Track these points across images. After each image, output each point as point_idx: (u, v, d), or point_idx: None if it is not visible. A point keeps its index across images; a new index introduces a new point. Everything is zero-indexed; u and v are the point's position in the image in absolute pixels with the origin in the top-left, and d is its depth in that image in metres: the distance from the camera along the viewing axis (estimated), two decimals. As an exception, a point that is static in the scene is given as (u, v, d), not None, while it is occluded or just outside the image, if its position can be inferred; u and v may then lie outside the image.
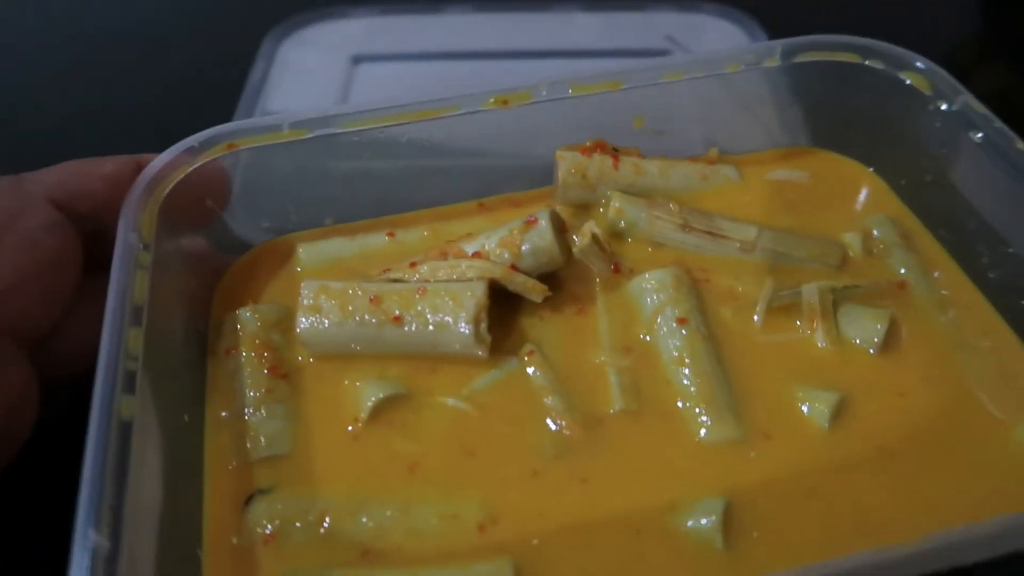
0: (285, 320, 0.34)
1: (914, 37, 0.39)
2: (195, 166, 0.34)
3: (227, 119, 0.42)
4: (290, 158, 0.37)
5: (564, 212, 0.38)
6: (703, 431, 0.30)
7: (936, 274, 0.35)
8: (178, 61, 0.61)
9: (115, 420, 0.25)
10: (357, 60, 0.58)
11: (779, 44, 0.39)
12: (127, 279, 0.29)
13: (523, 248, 0.34)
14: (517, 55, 0.58)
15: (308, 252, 0.37)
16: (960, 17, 0.64)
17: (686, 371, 0.32)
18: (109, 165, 0.32)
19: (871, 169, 0.40)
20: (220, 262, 0.37)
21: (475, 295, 0.32)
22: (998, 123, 0.34)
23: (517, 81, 0.37)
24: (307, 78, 0.57)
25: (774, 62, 0.39)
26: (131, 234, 0.31)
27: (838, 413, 0.31)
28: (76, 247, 0.30)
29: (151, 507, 0.26)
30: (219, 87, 0.56)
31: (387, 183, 0.40)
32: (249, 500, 0.29)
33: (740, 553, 0.27)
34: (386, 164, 0.40)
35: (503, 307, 0.34)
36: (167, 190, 0.33)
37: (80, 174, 0.31)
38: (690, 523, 0.28)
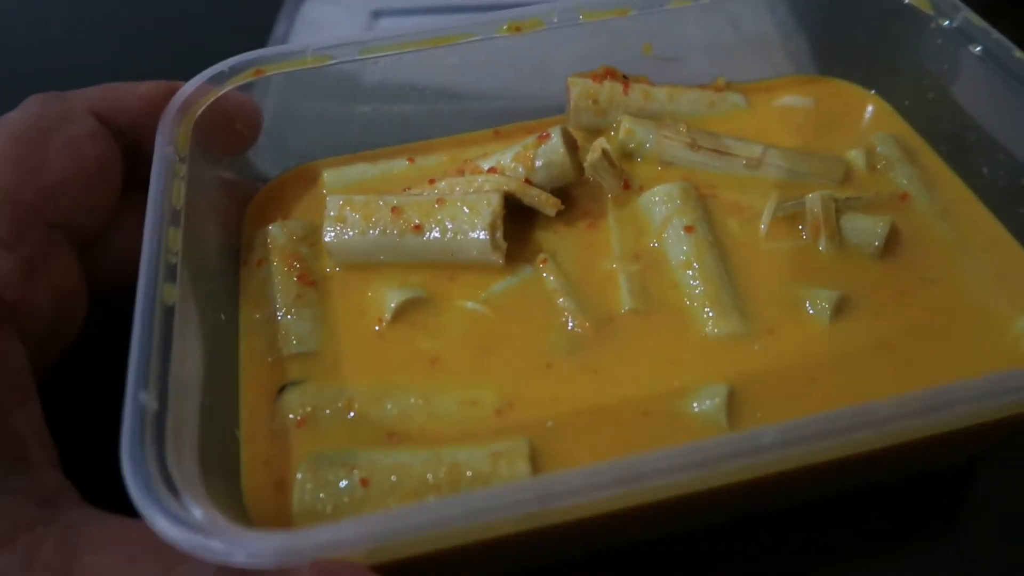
0: (312, 235, 0.36)
1: None
2: (225, 90, 0.36)
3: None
4: (311, 101, 0.39)
5: (577, 136, 0.39)
6: (709, 326, 0.32)
7: (937, 186, 0.36)
8: (201, 20, 0.62)
9: (159, 303, 0.27)
10: (377, 15, 0.60)
11: (784, -29, 0.39)
12: (165, 184, 0.31)
13: (536, 163, 0.35)
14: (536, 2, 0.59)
15: (332, 176, 0.39)
16: None
17: (692, 273, 0.33)
18: (144, 87, 0.34)
19: (874, 92, 0.41)
20: (250, 185, 0.39)
21: (491, 204, 0.33)
22: (996, 35, 0.35)
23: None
24: (329, 33, 0.58)
25: (779, -13, 0.39)
26: (167, 147, 0.32)
27: (839, 310, 0.32)
28: (116, 156, 0.32)
29: (193, 385, 0.27)
30: (242, 45, 0.57)
31: (406, 124, 0.41)
32: (282, 390, 0.31)
33: (743, 428, 0.28)
34: (405, 107, 0.41)
35: (518, 220, 0.36)
36: (199, 111, 0.35)
37: (118, 92, 0.33)
38: (695, 405, 0.29)
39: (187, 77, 0.35)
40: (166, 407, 0.25)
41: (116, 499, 0.23)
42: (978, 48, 0.35)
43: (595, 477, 0.22)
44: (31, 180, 0.29)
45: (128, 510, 0.22)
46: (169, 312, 0.27)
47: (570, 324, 0.32)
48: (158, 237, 0.29)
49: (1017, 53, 0.34)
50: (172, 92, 0.34)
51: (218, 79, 0.36)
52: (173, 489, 0.22)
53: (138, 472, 0.22)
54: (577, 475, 0.22)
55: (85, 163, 0.30)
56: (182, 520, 0.22)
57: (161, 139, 0.33)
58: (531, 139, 0.36)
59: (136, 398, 0.24)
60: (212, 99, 0.35)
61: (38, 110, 0.31)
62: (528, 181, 0.35)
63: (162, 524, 0.22)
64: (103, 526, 0.24)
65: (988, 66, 0.35)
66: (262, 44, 0.57)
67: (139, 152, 0.33)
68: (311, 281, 0.34)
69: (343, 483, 0.28)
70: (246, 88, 0.36)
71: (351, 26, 0.59)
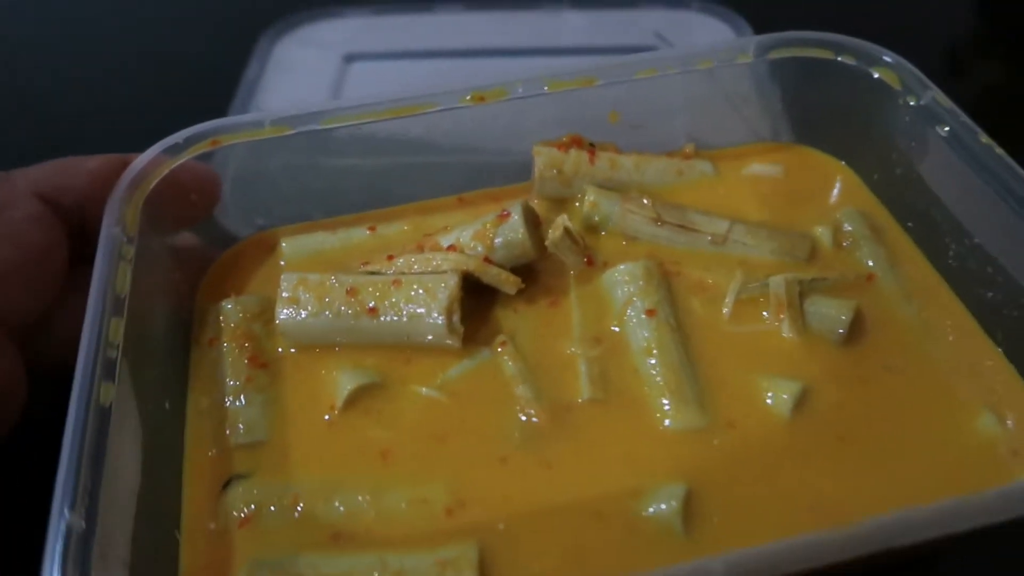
0: (267, 311, 0.35)
1: (910, 35, 0.39)
2: (180, 162, 0.34)
3: (222, 116, 0.43)
4: (277, 155, 0.38)
5: (541, 207, 0.38)
6: (667, 420, 0.31)
7: (904, 266, 0.36)
8: (172, 59, 0.61)
9: (94, 406, 0.26)
10: (350, 59, 0.59)
11: (752, 41, 0.39)
12: (109, 271, 0.30)
13: (496, 241, 0.34)
14: (507, 53, 0.59)
15: (291, 245, 0.38)
16: (957, 14, 0.64)
17: (653, 361, 0.32)
18: (94, 161, 0.33)
19: (843, 163, 0.40)
20: (206, 255, 0.37)
21: (448, 287, 0.32)
22: (963, 117, 0.34)
23: (507, 79, 0.37)
24: (301, 76, 0.58)
25: (747, 58, 0.39)
26: (114, 228, 0.31)
27: (800, 402, 0.31)
28: (61, 239, 0.31)
29: (128, 490, 0.26)
30: (214, 85, 0.57)
31: (371, 178, 0.40)
32: (227, 485, 0.30)
33: (699, 537, 0.27)
34: (370, 161, 0.40)
35: (478, 299, 0.35)
36: (151, 185, 0.33)
37: (66, 170, 0.32)
38: (651, 509, 0.28)
39: (153, 118, 0.34)
40: (95, 525, 0.23)
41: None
42: (945, 129, 0.35)
43: None
44: None
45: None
46: (105, 413, 0.26)
47: (525, 417, 0.31)
48: (97, 332, 0.28)
49: (983, 138, 0.33)
50: (124, 166, 0.33)
51: (172, 151, 0.35)
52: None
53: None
54: None
55: (25, 251, 0.29)
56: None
57: (108, 219, 0.31)
58: (490, 217, 0.35)
59: (61, 517, 0.23)
60: (165, 171, 0.34)
61: None
62: (488, 259, 0.34)
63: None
64: None
65: (954, 148, 0.34)
66: (233, 83, 0.56)
67: (86, 229, 0.32)
68: (262, 363, 0.33)
69: (284, 593, 0.26)
70: (203, 156, 0.35)
71: (323, 68, 0.58)
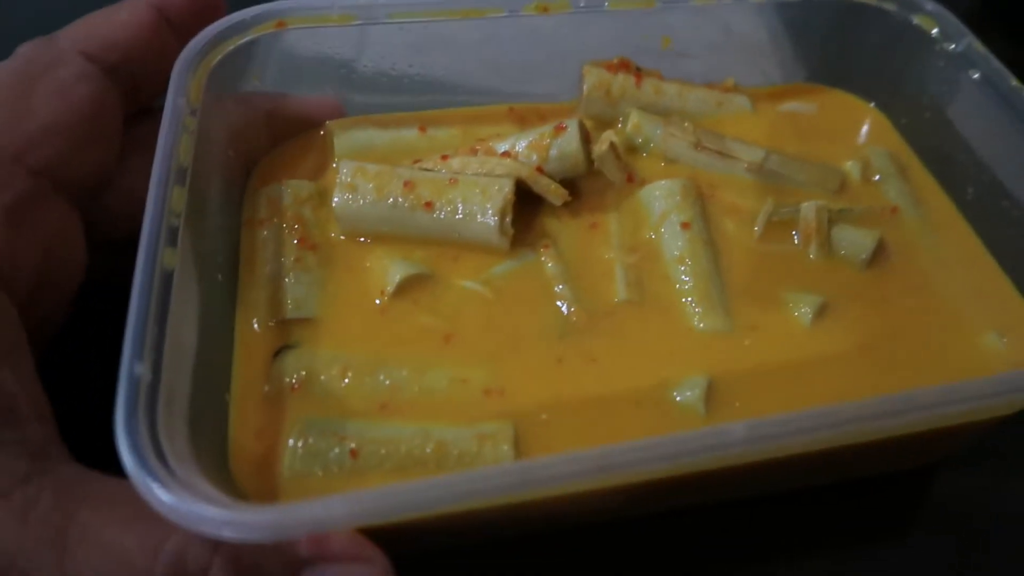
0: (316, 197, 0.33)
1: None
2: (245, 39, 0.32)
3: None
4: (327, 55, 0.36)
5: (588, 124, 0.37)
6: (696, 321, 0.30)
7: (926, 201, 0.35)
8: None
9: (159, 269, 0.24)
10: None
11: (801, -21, 0.36)
12: (174, 140, 0.28)
13: (551, 152, 0.33)
14: None
15: (342, 139, 0.36)
16: None
17: (684, 268, 0.31)
18: (123, 12, 0.30)
19: (873, 105, 0.39)
20: (261, 138, 0.35)
21: (503, 190, 0.31)
22: (996, 63, 0.33)
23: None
24: None
25: (795, -3, 0.37)
26: (180, 99, 0.29)
27: (820, 313, 0.30)
28: (111, 96, 0.29)
29: (188, 351, 0.25)
30: None
31: (422, 86, 0.38)
32: (278, 353, 0.28)
33: (720, 419, 0.27)
34: (422, 70, 0.37)
35: (525, 205, 0.33)
36: (217, 59, 0.31)
37: (101, 24, 0.29)
38: (677, 396, 0.28)
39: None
40: (160, 377, 0.22)
41: (110, 464, 0.20)
42: (977, 74, 0.33)
43: (570, 465, 0.21)
44: (14, 126, 0.26)
45: (121, 475, 0.20)
46: (168, 277, 0.25)
47: (565, 311, 0.30)
48: (163, 199, 0.26)
49: (1013, 82, 0.32)
50: (152, 11, 0.30)
51: (239, 27, 0.32)
52: (166, 462, 0.20)
53: (132, 444, 0.20)
54: (554, 462, 0.21)
55: (75, 107, 0.27)
56: (176, 493, 0.20)
57: (173, 89, 0.29)
58: (547, 128, 0.33)
59: (131, 369, 0.22)
60: (230, 48, 0.32)
61: (27, 56, 0.27)
62: (540, 169, 0.32)
63: (156, 497, 0.20)
64: (97, 484, 0.22)
65: (985, 92, 0.33)
66: None
67: (138, 84, 0.30)
68: (312, 245, 0.32)
69: (333, 452, 0.26)
70: (269, 40, 0.33)
71: None
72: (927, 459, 0.32)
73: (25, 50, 0.28)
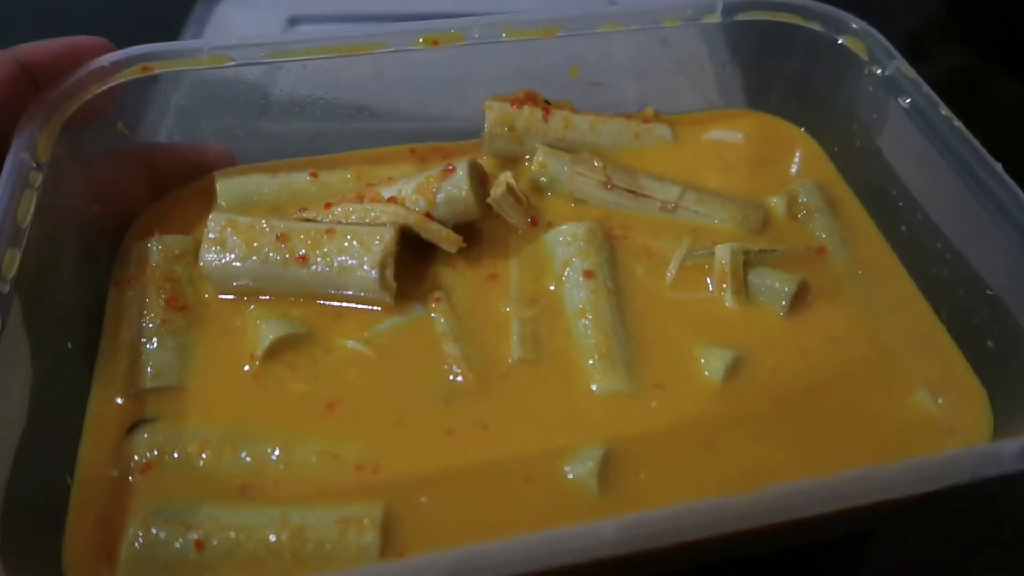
0: (191, 253, 0.32)
1: (874, 17, 0.36)
2: (106, 87, 0.31)
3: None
4: (217, 106, 0.35)
5: (490, 164, 0.36)
6: (594, 383, 0.28)
7: (856, 240, 0.33)
8: (107, 23, 0.56)
9: (-25, 340, 0.23)
10: (294, 21, 0.54)
11: (720, 0, 0.35)
12: (11, 198, 0.26)
13: (438, 196, 0.31)
14: (456, 17, 0.54)
15: (226, 187, 0.34)
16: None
17: (586, 323, 0.30)
18: None
19: (804, 130, 0.38)
20: (139, 190, 0.34)
21: (383, 240, 0.29)
22: (926, 88, 0.31)
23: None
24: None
25: (714, 19, 0.36)
26: (22, 153, 0.28)
27: (734, 370, 0.29)
28: None
29: (9, 434, 0.23)
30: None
31: (316, 134, 0.37)
32: (131, 429, 0.27)
33: (616, 499, 0.25)
34: (314, 119, 0.37)
35: (418, 255, 0.32)
36: (73, 109, 0.30)
37: None
38: (569, 471, 0.26)
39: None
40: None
41: None
42: (907, 100, 0.32)
43: (427, 570, 0.19)
44: None
45: None
46: (-13, 349, 0.23)
47: (453, 373, 0.29)
48: (-13, 262, 0.24)
49: (943, 110, 0.30)
50: (14, 66, 0.29)
51: (98, 75, 0.31)
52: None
53: None
54: (409, 566, 0.19)
55: None
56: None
57: (17, 143, 0.28)
58: (435, 171, 0.32)
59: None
60: (88, 96, 0.31)
61: None
62: (429, 215, 0.31)
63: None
64: None
65: (915, 120, 0.32)
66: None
67: None
68: (181, 306, 0.30)
69: (176, 544, 0.24)
70: (136, 86, 0.32)
71: (265, 32, 0.53)
72: (860, 526, 0.30)
73: None
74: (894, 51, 0.33)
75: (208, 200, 0.35)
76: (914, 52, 0.34)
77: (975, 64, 0.54)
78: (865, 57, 0.34)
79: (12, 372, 0.24)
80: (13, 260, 0.25)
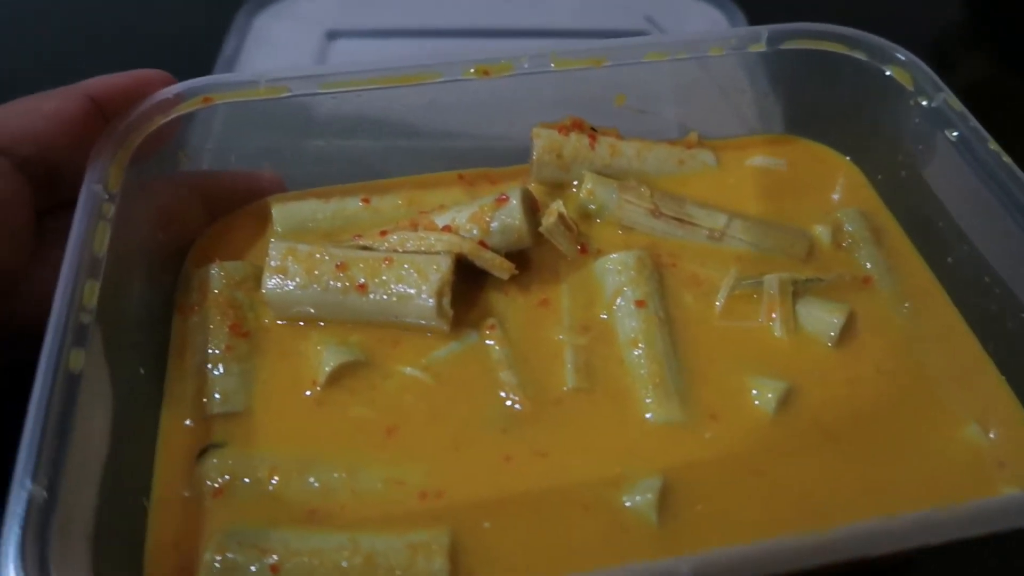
0: (251, 279, 0.33)
1: (897, 27, 0.37)
2: (170, 117, 0.32)
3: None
4: (265, 128, 0.36)
5: (538, 191, 0.36)
6: (649, 412, 0.29)
7: (902, 270, 0.34)
8: (150, 33, 0.57)
9: (62, 372, 0.24)
10: (332, 35, 0.55)
11: (765, 30, 0.36)
12: (88, 230, 0.28)
13: (492, 225, 0.32)
14: (493, 33, 0.55)
15: (281, 212, 0.36)
16: (944, 7, 0.61)
17: (639, 352, 0.31)
18: (51, 102, 0.29)
19: (848, 159, 0.39)
20: (196, 217, 0.35)
21: (440, 269, 0.31)
22: (973, 122, 0.32)
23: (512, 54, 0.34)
24: (281, 53, 0.53)
25: (759, 47, 0.36)
26: (95, 185, 0.29)
27: (786, 400, 0.30)
28: (22, 190, 0.28)
29: (95, 459, 0.25)
30: (191, 61, 0.52)
31: (364, 158, 0.38)
32: (202, 453, 0.28)
33: (675, 529, 0.26)
34: (362, 141, 0.38)
35: (470, 281, 0.33)
36: (137, 142, 0.31)
37: (21, 115, 0.29)
38: (627, 501, 0.27)
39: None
40: (57, 496, 0.22)
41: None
42: (955, 133, 0.33)
43: None
44: None
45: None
46: (74, 381, 0.24)
47: (510, 400, 0.30)
48: (70, 295, 0.26)
49: (991, 145, 0.31)
50: (85, 101, 0.30)
51: (162, 107, 0.32)
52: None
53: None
54: None
55: None
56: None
57: (90, 176, 0.29)
58: (489, 200, 0.33)
59: (22, 486, 0.21)
60: (153, 128, 0.32)
61: None
62: (483, 243, 0.32)
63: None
64: None
65: (962, 153, 0.32)
66: (211, 59, 0.52)
67: (59, 176, 0.30)
68: (244, 332, 0.31)
69: (253, 568, 0.25)
70: (190, 116, 0.33)
71: (305, 45, 0.54)
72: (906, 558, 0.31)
73: None
74: (940, 83, 0.34)
75: (260, 223, 0.36)
76: (938, 61, 0.35)
77: (1001, 73, 0.55)
78: (911, 88, 0.35)
79: (96, 400, 0.25)
80: (93, 291, 0.27)
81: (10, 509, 0.21)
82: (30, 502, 0.21)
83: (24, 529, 0.21)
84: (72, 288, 0.26)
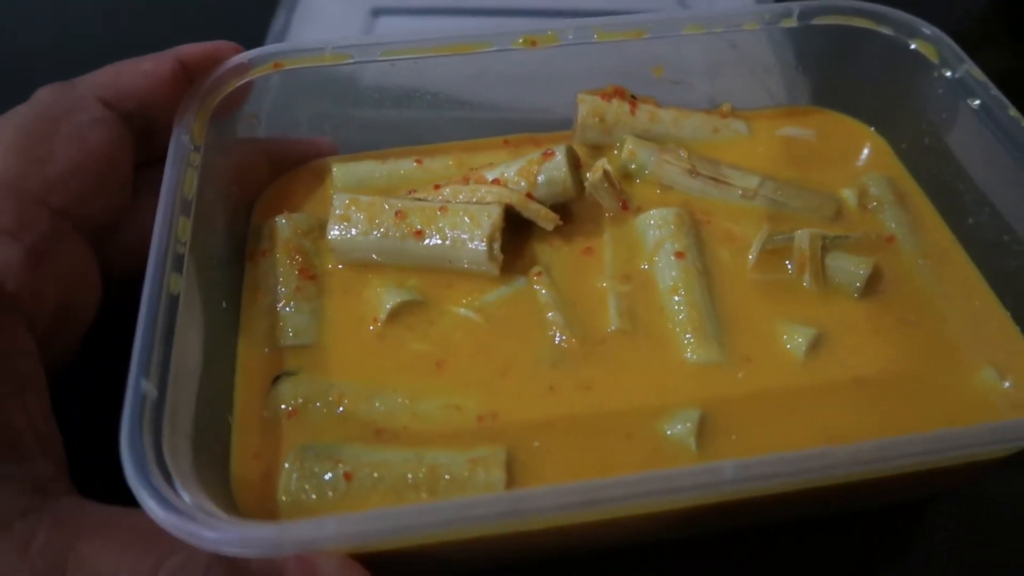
0: (315, 230, 0.36)
1: (919, 14, 0.39)
2: (244, 80, 0.36)
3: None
4: (319, 96, 0.39)
5: (581, 152, 0.40)
6: (689, 352, 0.32)
7: (924, 231, 0.37)
8: (200, 9, 0.61)
9: (165, 292, 0.28)
10: (377, 12, 0.59)
11: (796, 6, 0.39)
12: (179, 174, 0.31)
13: (539, 178, 0.36)
14: (532, 12, 0.59)
15: (341, 171, 0.39)
16: None
17: (678, 299, 0.34)
18: (147, 63, 0.33)
19: (873, 129, 0.42)
20: (262, 174, 0.39)
21: (491, 216, 0.34)
22: (995, 91, 0.35)
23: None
24: (329, 28, 0.57)
25: (791, 23, 0.40)
26: (183, 136, 0.33)
27: (815, 346, 0.33)
28: (126, 141, 0.32)
29: (192, 373, 0.28)
30: (242, 36, 0.55)
31: (415, 125, 0.41)
32: (276, 380, 0.32)
33: (712, 455, 0.29)
34: (414, 110, 0.41)
35: (517, 232, 0.36)
36: (218, 100, 0.35)
37: (123, 73, 0.33)
38: (668, 429, 0.30)
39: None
40: (165, 394, 0.26)
41: (116, 485, 0.23)
42: (976, 102, 0.36)
43: (561, 497, 0.23)
44: (37, 170, 0.29)
45: (126, 499, 0.23)
46: (174, 301, 0.28)
47: (558, 338, 0.33)
48: (168, 227, 0.29)
49: (1012, 112, 0.34)
50: (177, 63, 0.34)
51: (238, 70, 0.36)
52: (167, 475, 0.23)
53: (135, 459, 0.23)
54: (545, 493, 0.23)
55: (92, 151, 0.30)
56: (175, 507, 0.23)
57: (178, 128, 0.33)
58: (536, 154, 0.36)
59: (137, 386, 0.25)
60: (229, 89, 0.36)
61: (47, 100, 0.31)
62: (530, 195, 0.35)
63: (156, 510, 0.22)
64: (95, 515, 0.25)
65: (983, 120, 0.35)
66: (260, 36, 0.56)
67: (153, 131, 0.33)
68: (311, 275, 0.35)
69: (327, 476, 0.28)
70: (256, 81, 0.37)
71: (350, 22, 0.58)
72: (927, 492, 0.34)
73: (43, 95, 0.31)
74: (963, 55, 0.37)
75: (317, 181, 0.40)
76: (962, 45, 0.38)
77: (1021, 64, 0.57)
78: (936, 60, 0.38)
79: (190, 322, 0.29)
80: (186, 227, 0.30)
81: (127, 403, 0.24)
82: (144, 397, 0.25)
83: (140, 418, 0.24)
84: (170, 222, 0.29)
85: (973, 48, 0.58)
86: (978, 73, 0.36)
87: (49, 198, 0.29)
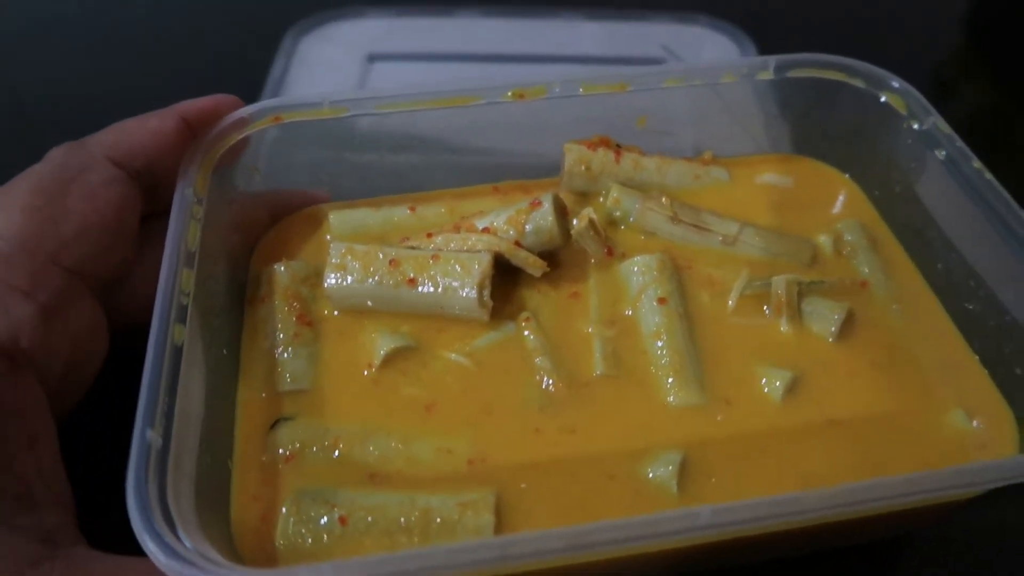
0: (312, 277, 0.38)
1: (898, 54, 0.42)
2: (244, 134, 0.38)
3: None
4: (314, 145, 0.41)
5: (567, 199, 0.42)
6: (671, 396, 0.34)
7: (896, 275, 0.39)
8: (201, 55, 0.64)
9: (169, 343, 0.30)
10: (372, 58, 0.62)
11: (773, 59, 0.42)
12: (183, 228, 0.33)
13: (527, 227, 0.38)
14: (522, 59, 0.62)
15: (338, 219, 0.41)
16: (943, 35, 0.67)
17: (661, 344, 0.36)
18: (152, 121, 0.35)
19: (847, 176, 0.44)
20: (261, 222, 0.41)
21: (481, 264, 0.36)
22: (959, 143, 0.37)
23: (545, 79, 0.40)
24: (326, 74, 0.60)
25: (768, 75, 0.42)
26: (187, 190, 0.35)
27: (792, 388, 0.34)
28: (134, 199, 0.34)
29: (195, 419, 0.30)
30: (242, 81, 0.59)
31: (407, 172, 0.44)
32: (274, 425, 0.33)
33: (693, 497, 0.31)
34: (407, 156, 0.44)
35: (506, 278, 0.38)
36: (219, 155, 0.37)
37: (131, 132, 0.34)
38: (650, 472, 0.32)
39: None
40: (169, 442, 0.27)
41: (121, 532, 0.25)
42: (943, 153, 0.38)
43: (545, 542, 0.25)
44: (51, 229, 0.31)
45: (126, 537, 0.25)
46: (178, 351, 0.30)
47: (545, 382, 0.35)
48: (173, 280, 0.31)
49: (975, 163, 0.37)
50: (179, 119, 0.36)
51: (239, 124, 0.38)
52: (171, 522, 0.25)
53: (140, 507, 0.25)
54: (530, 538, 0.25)
55: (103, 210, 0.32)
56: (178, 553, 0.24)
57: (182, 182, 0.35)
58: (524, 204, 0.38)
59: (143, 436, 0.27)
60: (231, 143, 0.38)
61: (60, 160, 0.33)
62: (518, 243, 0.38)
63: (159, 555, 0.24)
64: (103, 564, 0.26)
65: (950, 171, 0.38)
66: (260, 81, 0.58)
67: (158, 185, 0.35)
68: (309, 321, 0.37)
69: (323, 520, 0.30)
70: (257, 133, 0.39)
71: (347, 67, 0.61)
72: (898, 531, 0.36)
73: (57, 155, 0.33)
74: (930, 108, 0.39)
75: (312, 228, 0.42)
76: (938, 89, 0.40)
77: (1000, 101, 0.59)
78: (904, 112, 0.40)
79: (193, 370, 0.30)
80: (190, 278, 0.32)
81: (133, 452, 0.26)
82: (149, 445, 0.26)
83: (146, 467, 0.26)
84: (174, 274, 0.31)
85: (951, 85, 0.61)
86: (944, 125, 0.39)
87: (62, 257, 0.31)
